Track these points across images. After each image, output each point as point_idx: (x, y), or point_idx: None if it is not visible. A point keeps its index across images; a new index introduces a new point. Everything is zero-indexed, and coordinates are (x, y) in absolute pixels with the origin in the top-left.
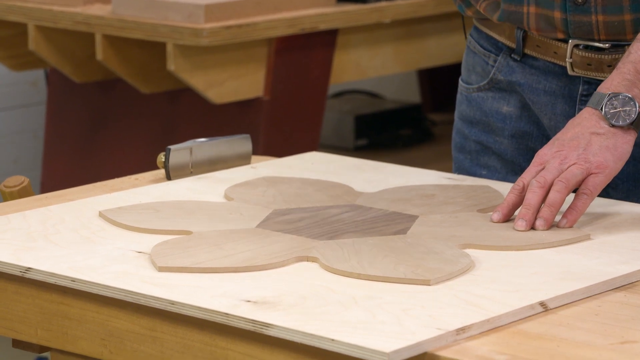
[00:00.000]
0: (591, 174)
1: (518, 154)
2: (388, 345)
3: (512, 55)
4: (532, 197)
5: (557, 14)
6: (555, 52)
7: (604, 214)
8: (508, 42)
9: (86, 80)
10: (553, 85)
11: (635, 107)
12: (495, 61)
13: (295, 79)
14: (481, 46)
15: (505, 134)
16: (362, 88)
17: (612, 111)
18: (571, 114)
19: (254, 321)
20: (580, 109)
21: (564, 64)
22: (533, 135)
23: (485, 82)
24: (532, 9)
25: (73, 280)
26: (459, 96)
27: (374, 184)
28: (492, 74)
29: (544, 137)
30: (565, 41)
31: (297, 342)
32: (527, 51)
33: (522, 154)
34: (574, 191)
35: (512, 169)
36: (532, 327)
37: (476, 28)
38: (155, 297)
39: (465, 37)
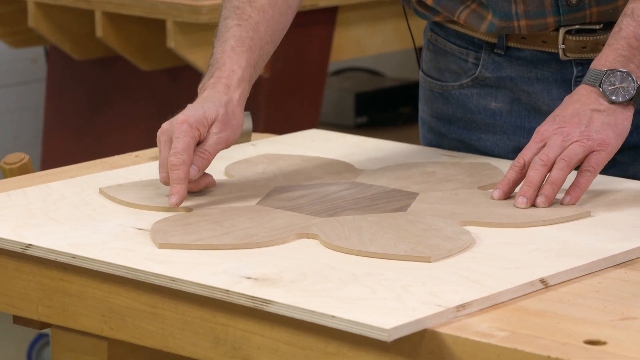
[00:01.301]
0: (593, 151)
1: (507, 150)
2: (388, 321)
3: (495, 50)
4: (535, 174)
5: (550, 19)
6: (544, 41)
7: (604, 191)
8: (487, 39)
9: (86, 57)
10: (545, 73)
11: (634, 83)
12: (476, 58)
13: (295, 56)
14: (454, 44)
15: (496, 130)
16: (362, 66)
17: (611, 88)
18: None
19: (254, 298)
20: None
21: (554, 51)
22: (525, 129)
23: (467, 79)
24: (523, 22)
25: (73, 256)
26: (428, 93)
27: (374, 161)
28: (478, 72)
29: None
30: (555, 30)
31: (298, 318)
32: (511, 44)
33: (511, 150)
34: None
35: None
36: (533, 304)
37: (440, 25)
38: (156, 273)
39: (411, 35)
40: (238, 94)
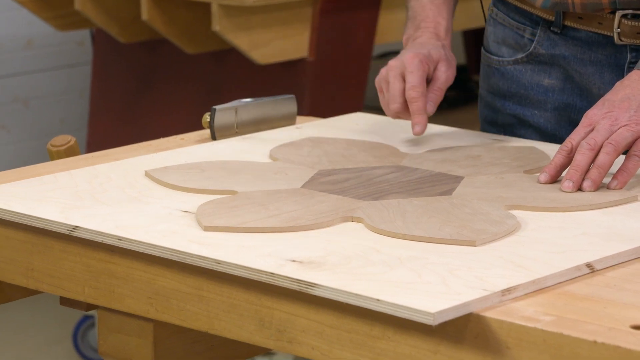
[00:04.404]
0: None
1: (560, 127)
2: (434, 305)
3: (552, 28)
4: (582, 159)
5: (605, 0)
6: (600, 23)
7: None
8: (545, 15)
9: (131, 40)
10: (599, 55)
11: None
12: (532, 34)
13: (340, 39)
14: (512, 19)
15: (548, 107)
16: None
17: None
18: None
19: (299, 281)
20: None
21: (609, 34)
22: (576, 107)
23: (523, 55)
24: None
25: (120, 239)
26: (486, 69)
27: (419, 144)
28: (532, 47)
29: (589, 109)
30: (611, 12)
31: (343, 301)
32: (568, 23)
33: (563, 127)
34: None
35: (551, 142)
36: (579, 289)
37: (502, 1)
38: (202, 256)
39: (483, 9)
40: (448, 42)
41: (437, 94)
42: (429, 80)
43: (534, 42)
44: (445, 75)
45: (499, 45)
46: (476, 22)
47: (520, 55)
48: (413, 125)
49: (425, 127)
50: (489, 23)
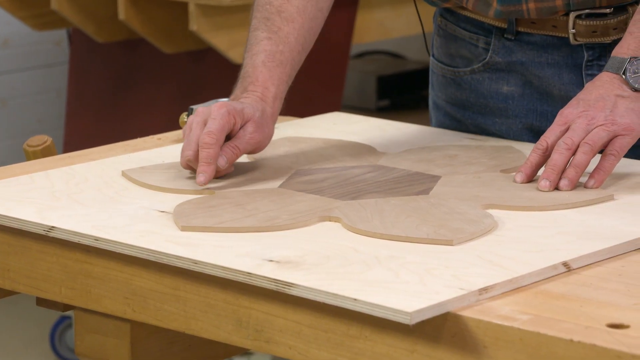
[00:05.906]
0: (617, 135)
1: (522, 133)
2: (411, 304)
3: (505, 35)
4: (559, 158)
5: (559, 2)
6: (554, 26)
7: (627, 174)
8: (497, 23)
9: (109, 40)
10: (556, 57)
11: None
12: (486, 43)
13: (318, 38)
14: (464, 29)
15: (509, 114)
16: (384, 49)
17: (634, 76)
18: (579, 81)
19: (276, 280)
20: (587, 75)
21: (564, 35)
22: (538, 112)
23: (479, 64)
24: (532, 5)
25: (96, 239)
26: (440, 79)
27: (396, 144)
28: (488, 57)
29: (549, 114)
30: (565, 14)
31: (320, 301)
32: (521, 29)
33: (525, 133)
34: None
35: None
36: (555, 287)
37: (450, 11)
38: (179, 256)
39: (420, 21)
40: (274, 110)
41: (232, 151)
42: (232, 136)
43: (489, 51)
44: (249, 137)
45: (452, 56)
46: None
47: (476, 65)
48: (197, 174)
49: (210, 178)
50: (438, 34)
